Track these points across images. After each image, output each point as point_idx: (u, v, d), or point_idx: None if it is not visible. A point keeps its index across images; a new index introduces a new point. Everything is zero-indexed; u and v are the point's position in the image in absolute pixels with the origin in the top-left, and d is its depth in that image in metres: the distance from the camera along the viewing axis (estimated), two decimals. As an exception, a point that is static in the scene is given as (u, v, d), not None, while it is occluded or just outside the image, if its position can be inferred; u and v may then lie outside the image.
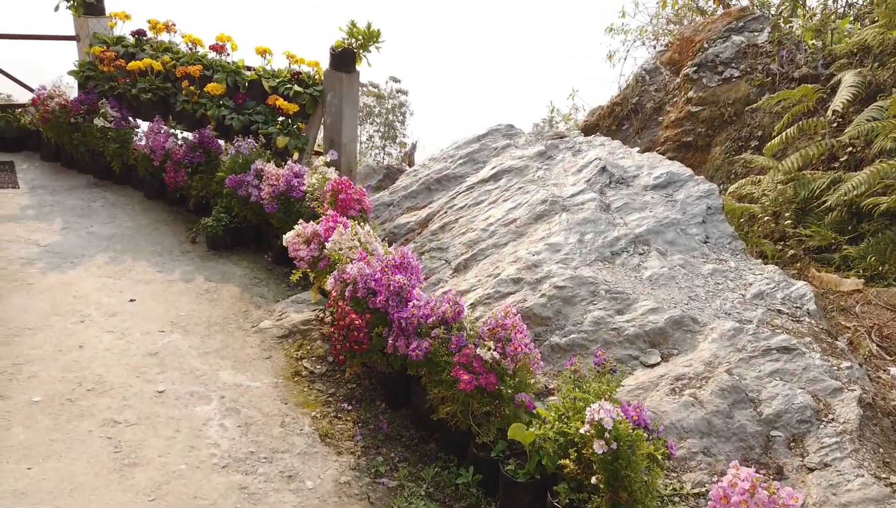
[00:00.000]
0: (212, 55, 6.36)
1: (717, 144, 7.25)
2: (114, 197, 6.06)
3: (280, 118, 6.02)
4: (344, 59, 5.85)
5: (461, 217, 5.01)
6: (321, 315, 4.23)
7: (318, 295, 4.21)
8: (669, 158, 5.43)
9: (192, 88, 6.11)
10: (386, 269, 3.35)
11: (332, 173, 5.08)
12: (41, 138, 6.66)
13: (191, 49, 6.44)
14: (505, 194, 5.03)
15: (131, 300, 4.35)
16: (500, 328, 2.97)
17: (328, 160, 5.87)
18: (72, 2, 6.64)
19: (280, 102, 5.89)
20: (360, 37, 5.87)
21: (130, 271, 4.77)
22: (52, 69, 7.36)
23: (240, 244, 5.49)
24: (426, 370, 3.21)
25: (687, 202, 4.67)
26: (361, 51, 5.92)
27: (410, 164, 13.43)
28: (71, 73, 6.60)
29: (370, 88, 20.92)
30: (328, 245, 3.74)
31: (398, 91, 21.56)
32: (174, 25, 6.51)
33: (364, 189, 4.76)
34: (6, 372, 3.38)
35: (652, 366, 3.50)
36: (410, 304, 3.18)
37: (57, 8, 6.68)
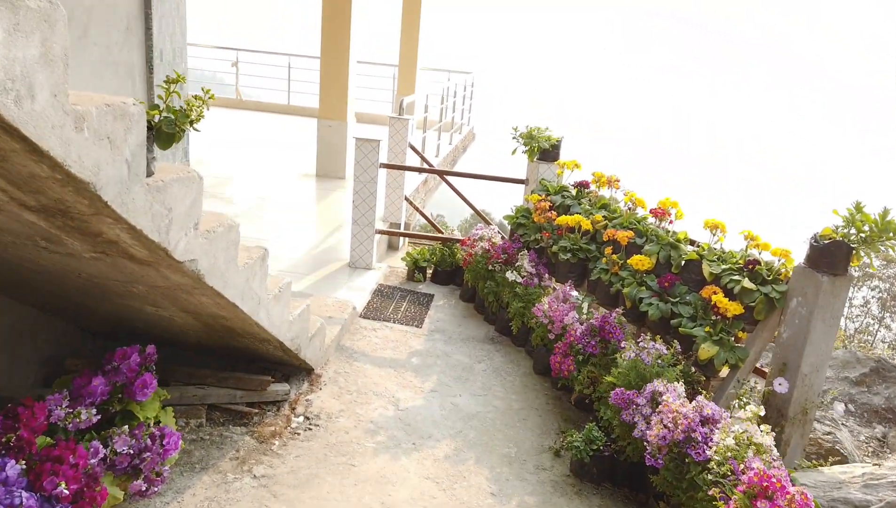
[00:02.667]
0: (651, 220, 5.20)
1: None
2: (501, 360, 5.33)
3: (713, 317, 4.38)
4: (830, 256, 3.91)
5: None
6: None
7: None
8: None
9: (614, 256, 5.02)
10: None
11: (761, 437, 3.20)
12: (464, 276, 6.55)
13: (629, 209, 5.40)
14: None
15: (434, 535, 3.33)
16: None
17: (776, 390, 4.01)
18: (529, 147, 6.42)
19: (718, 297, 4.27)
20: (868, 228, 3.85)
21: (461, 482, 3.79)
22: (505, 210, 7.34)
23: (611, 480, 4.00)
24: None
25: None
26: (864, 247, 3.89)
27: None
28: (506, 217, 6.33)
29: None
30: None
31: (919, 256, 16.74)
32: (617, 181, 5.60)
33: (808, 497, 2.75)
34: None
35: None
36: None
37: (514, 152, 6.56)
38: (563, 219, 5.49)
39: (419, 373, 4.96)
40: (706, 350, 4.17)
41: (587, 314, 4.96)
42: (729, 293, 4.34)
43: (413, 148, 8.41)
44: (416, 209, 8.57)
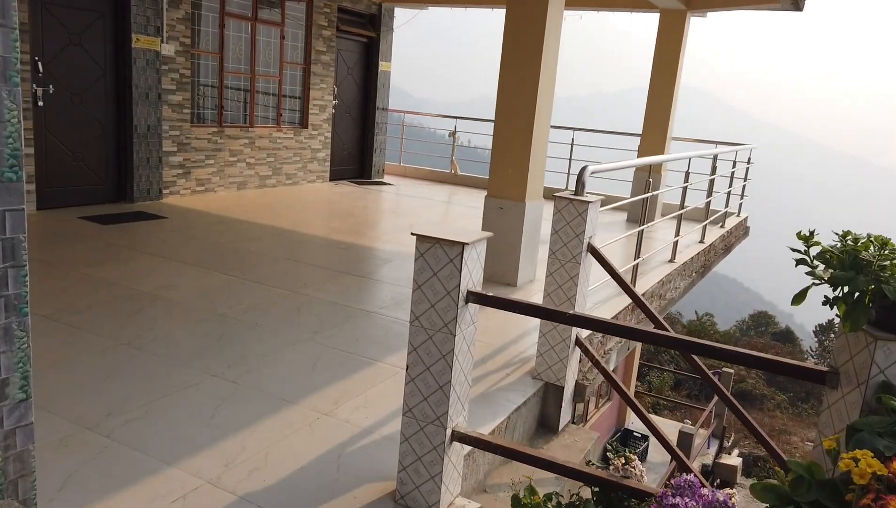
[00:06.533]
0: None
1: None
2: None
3: None
4: None
5: None
6: None
7: None
8: None
9: None
10: None
11: None
12: None
13: None
14: None
15: None
16: None
17: None
18: (845, 294, 2.31)
19: None
20: None
21: None
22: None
23: None
24: None
25: None
26: None
27: None
28: (766, 487, 2.21)
29: None
30: None
31: None
32: None
33: None
34: None
35: None
36: None
37: (801, 299, 2.48)
38: None
39: None
40: None
41: None
42: None
43: (596, 253, 4.66)
44: (596, 365, 4.74)
